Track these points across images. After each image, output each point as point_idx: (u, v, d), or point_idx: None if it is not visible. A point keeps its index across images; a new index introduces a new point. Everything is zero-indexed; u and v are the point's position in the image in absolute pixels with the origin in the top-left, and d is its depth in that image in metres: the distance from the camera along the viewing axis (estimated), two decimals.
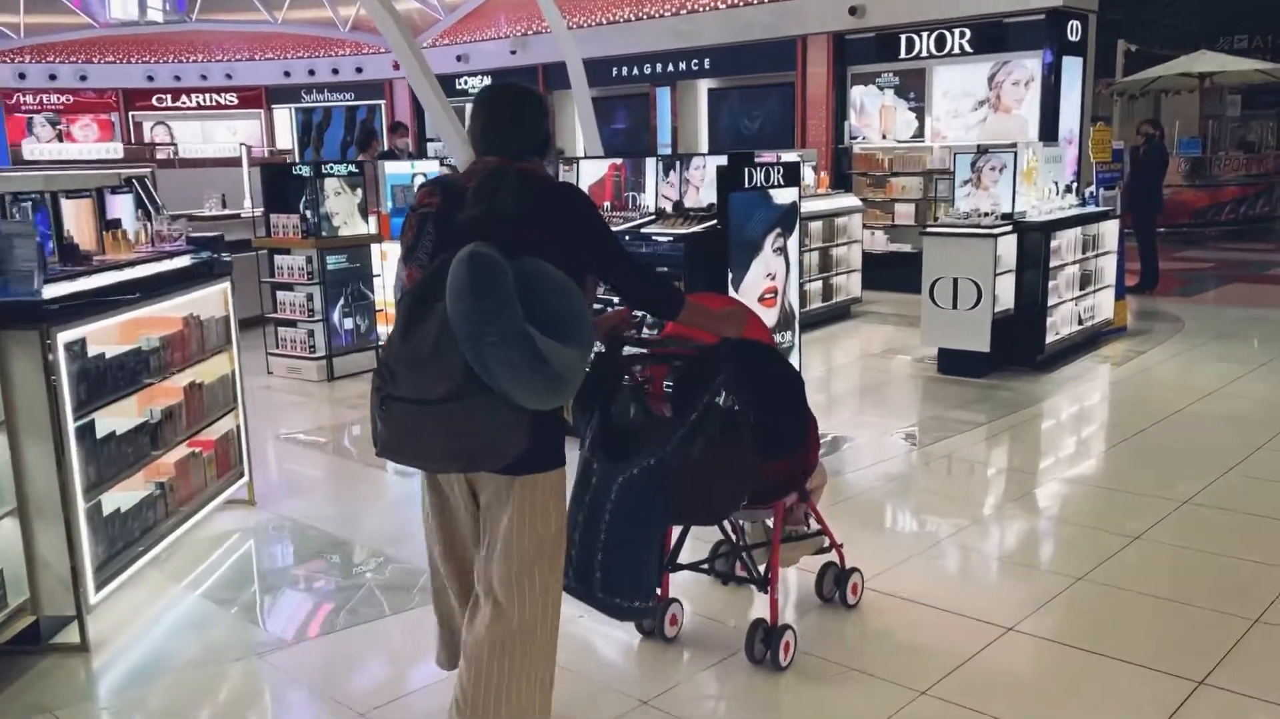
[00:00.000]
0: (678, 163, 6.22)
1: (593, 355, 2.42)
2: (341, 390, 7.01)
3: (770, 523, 3.13)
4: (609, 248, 2.43)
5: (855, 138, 11.44)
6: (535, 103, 2.45)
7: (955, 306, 6.84)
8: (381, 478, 5.18)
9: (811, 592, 3.51)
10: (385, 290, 7.47)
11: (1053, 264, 7.18)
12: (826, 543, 3.37)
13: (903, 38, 10.84)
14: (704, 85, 13.10)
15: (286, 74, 17.00)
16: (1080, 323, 7.88)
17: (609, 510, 2.63)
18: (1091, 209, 8.07)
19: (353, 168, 7.34)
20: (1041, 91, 9.93)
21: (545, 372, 2.12)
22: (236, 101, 17.37)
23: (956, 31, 10.46)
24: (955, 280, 6.83)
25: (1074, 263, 7.72)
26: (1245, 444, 5.22)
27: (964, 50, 10.48)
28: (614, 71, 13.48)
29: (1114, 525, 4.18)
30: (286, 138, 17.38)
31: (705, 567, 3.34)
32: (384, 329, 7.32)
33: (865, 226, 10.06)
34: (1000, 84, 10.31)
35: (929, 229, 7.24)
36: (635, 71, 13.30)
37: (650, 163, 6.25)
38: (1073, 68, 9.98)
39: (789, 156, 6.31)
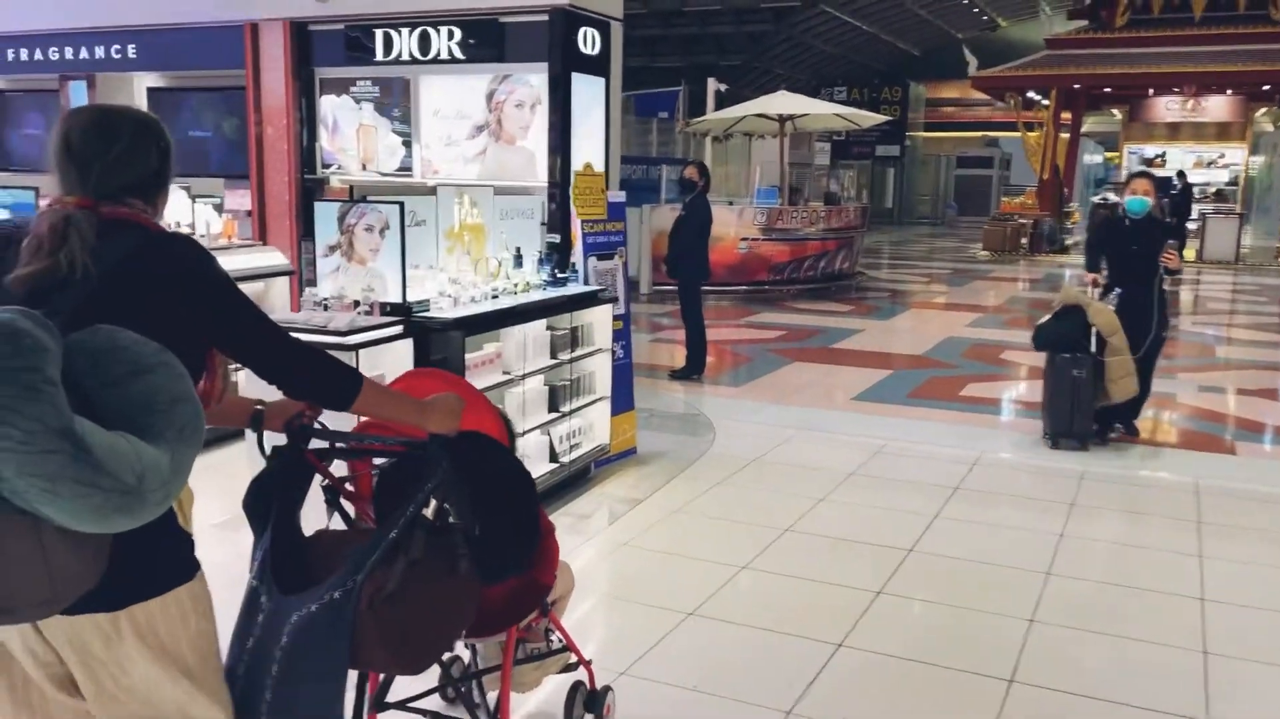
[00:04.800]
0: None
1: (269, 449, 2.16)
2: None
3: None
4: (241, 313, 1.94)
5: (330, 166, 8.38)
6: (131, 128, 1.95)
7: None
8: None
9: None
10: None
11: (484, 381, 4.49)
12: (574, 659, 3.00)
13: (379, 33, 7.95)
14: (140, 82, 9.49)
15: None
16: (553, 458, 5.28)
17: (278, 658, 2.03)
18: (574, 290, 5.54)
19: None
20: (550, 118, 7.38)
21: (104, 484, 1.55)
22: None
23: (444, 30, 7.73)
24: None
25: (535, 373, 5.10)
26: None
27: (454, 56, 7.77)
28: (9, 54, 9.54)
29: None
30: None
31: (422, 704, 2.82)
32: None
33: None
34: (501, 105, 7.66)
35: None
36: (39, 57, 9.44)
37: None
38: (590, 89, 7.50)
39: None
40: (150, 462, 1.63)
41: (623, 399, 6.08)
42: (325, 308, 4.23)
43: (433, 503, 2.29)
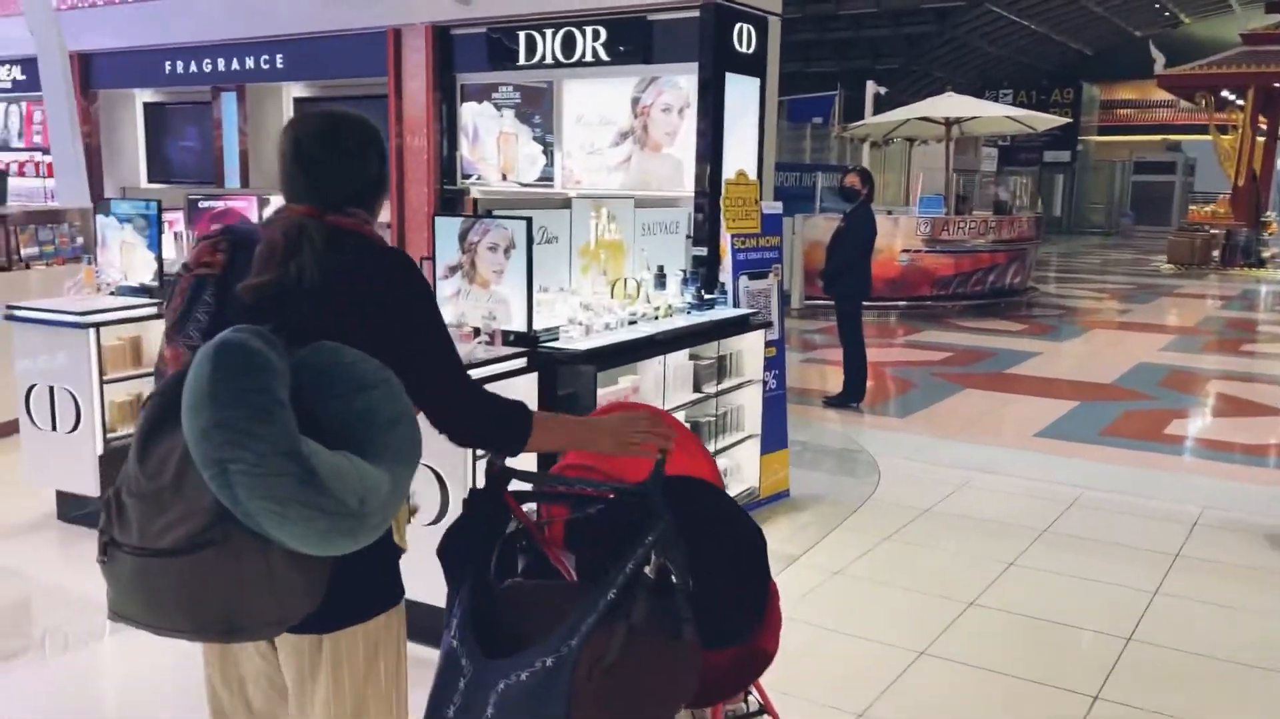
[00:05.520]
0: None
1: (468, 493, 2.15)
2: None
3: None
4: (437, 345, 1.87)
5: (470, 176, 8.02)
6: (359, 134, 1.90)
7: None
8: None
9: None
10: None
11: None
12: None
13: (522, 35, 7.53)
14: (288, 93, 9.40)
15: None
16: None
17: None
18: (722, 313, 4.91)
19: None
20: (700, 123, 6.78)
21: (327, 506, 1.55)
22: None
23: (589, 31, 7.25)
24: None
25: (676, 409, 4.50)
26: None
27: (599, 58, 7.28)
28: (166, 67, 9.61)
29: None
30: None
31: None
32: None
33: None
34: (647, 109, 7.11)
35: None
36: (193, 68, 9.47)
37: None
38: (744, 90, 6.86)
39: None
40: (372, 483, 1.63)
41: (775, 436, 5.41)
42: None
43: (651, 561, 2.05)
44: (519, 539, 2.19)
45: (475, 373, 3.44)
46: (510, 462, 2.07)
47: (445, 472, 3.41)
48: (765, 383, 5.32)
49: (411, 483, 1.78)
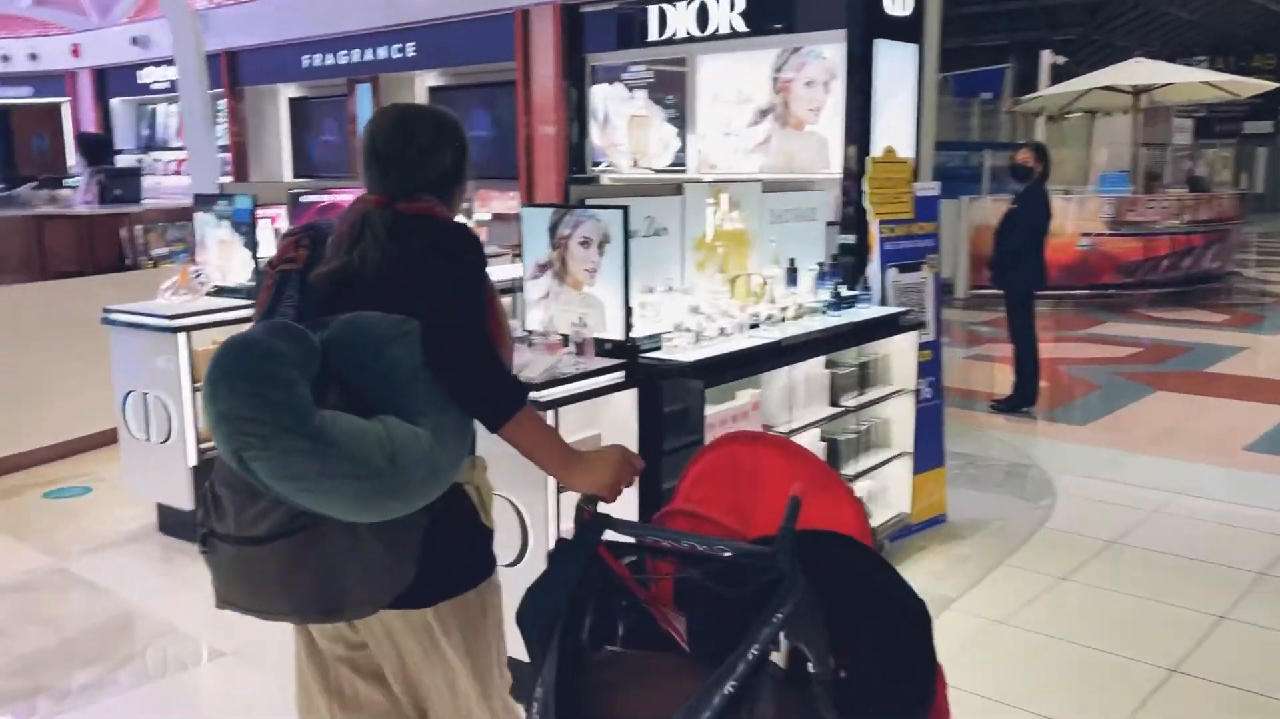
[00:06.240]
0: None
1: (553, 544, 2.03)
2: None
3: None
4: (455, 303, 1.82)
5: (600, 164, 7.57)
6: (430, 130, 1.96)
7: None
8: None
9: None
10: None
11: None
12: None
13: (654, 10, 7.00)
14: (421, 82, 9.19)
15: None
16: None
17: None
18: (865, 313, 4.26)
19: None
20: (848, 96, 6.08)
21: (352, 470, 1.60)
22: None
23: (724, 1, 6.65)
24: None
25: (808, 426, 3.88)
26: None
27: (736, 30, 6.69)
28: (304, 61, 9.56)
29: None
30: None
31: None
32: None
33: None
34: (788, 84, 6.47)
35: None
36: (329, 61, 9.38)
37: None
38: (898, 59, 6.10)
39: None
40: (403, 439, 1.65)
41: (929, 452, 4.70)
42: (530, 344, 3.24)
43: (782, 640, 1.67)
44: (619, 598, 1.84)
45: (554, 392, 2.93)
46: (604, 507, 1.86)
47: (524, 507, 2.92)
48: (918, 392, 4.61)
49: (469, 433, 1.84)
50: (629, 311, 3.21)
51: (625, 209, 3.13)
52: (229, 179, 9.70)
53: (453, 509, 1.87)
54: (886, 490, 4.48)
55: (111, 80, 12.19)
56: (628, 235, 3.14)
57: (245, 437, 1.58)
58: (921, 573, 4.26)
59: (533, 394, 2.86)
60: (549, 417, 2.89)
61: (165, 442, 4.44)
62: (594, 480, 1.90)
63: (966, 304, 11.94)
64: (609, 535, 1.82)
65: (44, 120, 13.34)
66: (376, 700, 2.03)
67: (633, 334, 3.25)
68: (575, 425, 3.16)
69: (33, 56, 12.75)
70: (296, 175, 10.18)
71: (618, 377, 3.14)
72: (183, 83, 7.56)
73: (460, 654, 1.93)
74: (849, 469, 4.15)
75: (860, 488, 4.29)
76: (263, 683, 3.31)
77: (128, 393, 4.54)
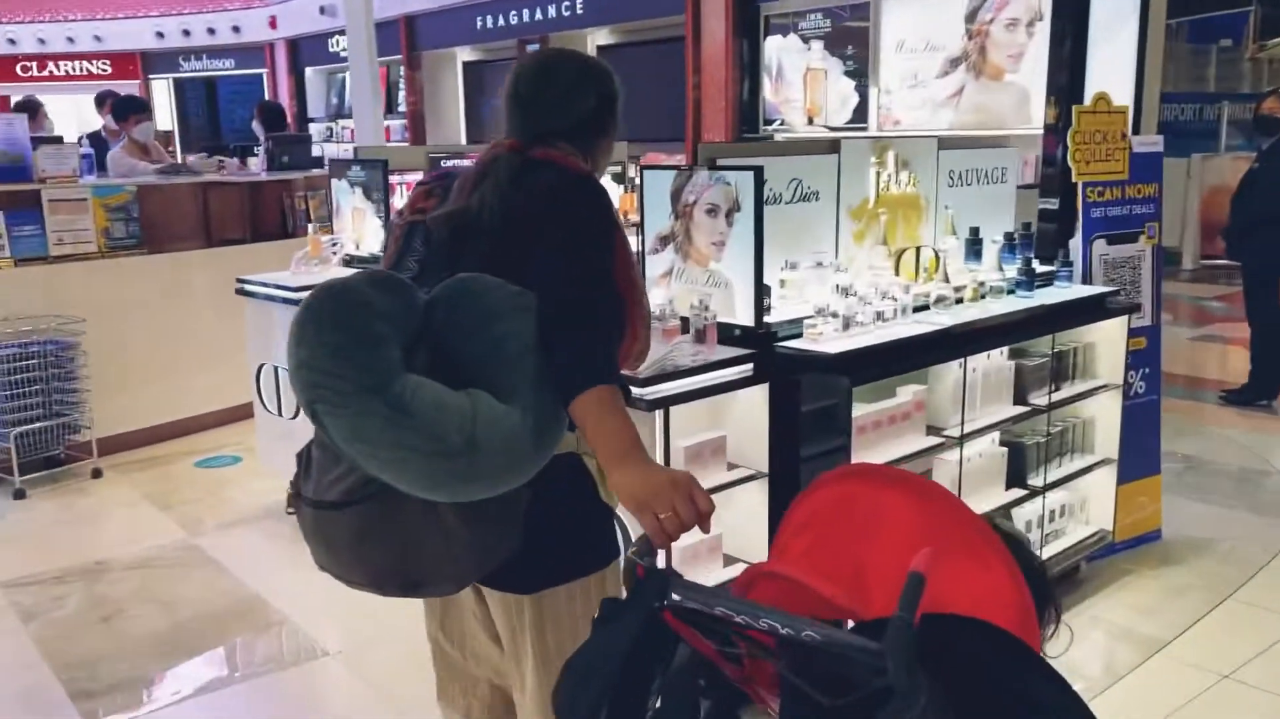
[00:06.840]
0: None
1: (601, 606, 1.40)
2: None
3: None
4: (562, 259, 1.64)
5: (773, 122, 7.01)
6: (571, 73, 1.84)
7: None
8: None
9: None
10: None
11: (896, 445, 2.81)
12: None
13: None
14: (592, 41, 8.85)
15: (160, 35, 13.59)
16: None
17: None
18: (1062, 293, 3.58)
19: None
20: (1054, 39, 5.27)
21: (422, 446, 1.48)
22: (110, 70, 14.09)
23: None
24: None
25: (986, 429, 3.27)
26: None
27: None
28: (478, 23, 9.40)
29: None
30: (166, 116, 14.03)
31: None
32: None
33: None
34: (985, 28, 5.70)
35: None
36: (500, 22, 9.17)
37: None
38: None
39: None
40: (488, 419, 1.53)
41: (1141, 458, 3.96)
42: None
43: None
44: (696, 673, 1.42)
45: (669, 386, 2.48)
46: (663, 558, 1.63)
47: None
48: (1129, 386, 3.88)
49: (566, 418, 1.60)
50: (762, 292, 2.70)
51: (759, 169, 2.62)
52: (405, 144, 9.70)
53: (566, 482, 1.71)
54: (1085, 504, 3.79)
55: (305, 50, 12.52)
56: (760, 200, 2.63)
57: (321, 389, 1.50)
58: (1124, 606, 3.56)
59: (636, 391, 2.42)
60: (656, 419, 2.44)
61: (295, 418, 4.27)
62: (632, 489, 1.53)
63: (1195, 276, 10.63)
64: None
65: (246, 91, 13.93)
66: (495, 661, 1.90)
67: (767, 318, 2.74)
68: (694, 427, 2.70)
69: (235, 29, 13.30)
70: (469, 140, 10.11)
71: (745, 369, 2.65)
72: (352, 49, 7.51)
73: (557, 644, 1.76)
74: (1035, 479, 3.50)
75: (1054, 500, 3.62)
76: (361, 692, 3.05)
77: (260, 365, 4.41)
